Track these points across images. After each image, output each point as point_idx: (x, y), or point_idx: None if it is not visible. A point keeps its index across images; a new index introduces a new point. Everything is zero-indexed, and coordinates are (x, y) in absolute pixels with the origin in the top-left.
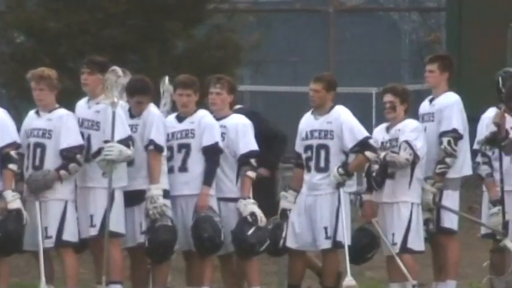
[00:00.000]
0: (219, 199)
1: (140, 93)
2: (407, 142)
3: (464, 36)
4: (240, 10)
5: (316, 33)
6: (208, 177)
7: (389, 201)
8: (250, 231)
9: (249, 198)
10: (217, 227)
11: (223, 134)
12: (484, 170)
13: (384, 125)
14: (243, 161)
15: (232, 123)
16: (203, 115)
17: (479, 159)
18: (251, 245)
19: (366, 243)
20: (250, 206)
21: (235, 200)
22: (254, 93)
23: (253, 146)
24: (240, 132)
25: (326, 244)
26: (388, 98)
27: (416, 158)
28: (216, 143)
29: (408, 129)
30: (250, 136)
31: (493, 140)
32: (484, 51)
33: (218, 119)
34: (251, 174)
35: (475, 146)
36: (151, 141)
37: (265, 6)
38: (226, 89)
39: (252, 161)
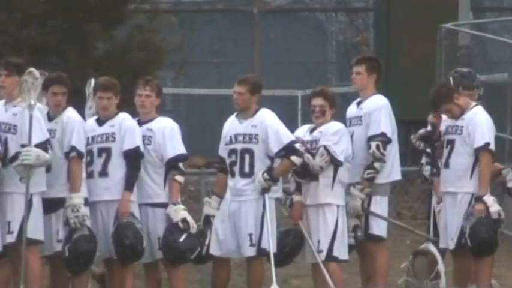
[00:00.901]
0: (147, 204)
1: (56, 84)
2: (325, 147)
3: (392, 37)
4: (162, 10)
5: (240, 34)
6: (129, 182)
7: (313, 203)
8: (181, 238)
9: (179, 203)
10: (139, 234)
11: (149, 138)
12: (427, 170)
13: (307, 126)
14: (171, 165)
15: (159, 127)
16: (124, 118)
17: (423, 160)
18: (182, 252)
19: (293, 245)
20: (181, 212)
21: (163, 205)
22: (176, 95)
23: (181, 149)
24: (167, 136)
25: (250, 251)
26: (317, 101)
27: (336, 162)
28: (137, 147)
29: (329, 132)
30: (178, 139)
31: (427, 138)
32: (413, 52)
33: (144, 122)
34: (179, 178)
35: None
36: (73, 148)
37: (188, 6)
38: (156, 91)
39: (180, 165)
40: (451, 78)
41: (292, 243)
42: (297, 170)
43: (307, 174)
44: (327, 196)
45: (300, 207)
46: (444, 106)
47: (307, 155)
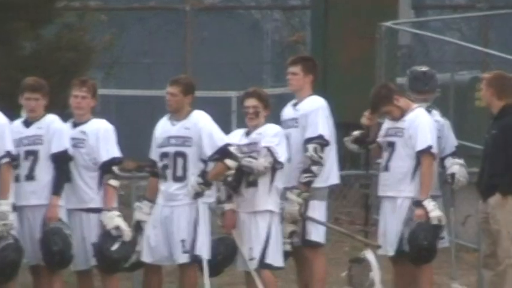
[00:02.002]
0: (81, 210)
1: None
2: (268, 148)
3: (330, 36)
4: (91, 8)
5: (172, 33)
6: (57, 186)
7: (249, 210)
8: (114, 247)
9: (114, 209)
10: (68, 240)
11: (83, 141)
12: None
13: (242, 130)
14: (105, 168)
15: (92, 129)
16: (52, 120)
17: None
18: (115, 261)
19: (225, 254)
20: (115, 219)
21: (97, 210)
22: (106, 97)
23: (116, 152)
24: (101, 138)
25: (183, 258)
26: (251, 102)
27: (277, 164)
28: (66, 150)
29: (270, 133)
30: (112, 142)
31: (360, 141)
32: (351, 52)
33: (78, 124)
34: (114, 183)
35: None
36: (8, 153)
37: (118, 4)
38: (92, 92)
39: (115, 168)
40: (406, 79)
41: (224, 252)
42: (230, 182)
43: (240, 184)
44: (265, 203)
45: (232, 216)
46: (383, 108)
47: (248, 159)
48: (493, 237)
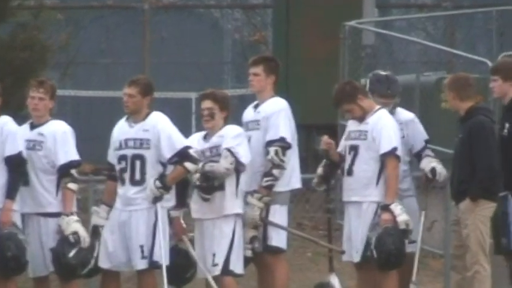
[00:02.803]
0: (38, 214)
1: None
2: (228, 149)
3: (292, 35)
4: (47, 7)
5: (130, 32)
6: (11, 190)
7: (218, 215)
8: (71, 253)
9: (73, 214)
10: (22, 245)
11: (40, 143)
12: None
13: (200, 134)
14: (63, 172)
15: (50, 131)
16: (5, 122)
17: None
18: (72, 268)
19: (181, 263)
20: (73, 225)
21: (55, 215)
22: (62, 98)
23: (74, 155)
24: (59, 141)
25: (142, 264)
26: (206, 104)
27: (240, 166)
28: (20, 153)
29: (230, 135)
30: (71, 144)
31: (326, 177)
32: (314, 52)
33: (36, 126)
34: (72, 186)
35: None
36: None
37: (75, 2)
38: (50, 93)
39: (73, 171)
40: (367, 81)
41: (180, 261)
42: (202, 185)
43: (211, 185)
44: (234, 206)
45: (180, 223)
46: (346, 105)
47: (210, 164)
48: (462, 241)
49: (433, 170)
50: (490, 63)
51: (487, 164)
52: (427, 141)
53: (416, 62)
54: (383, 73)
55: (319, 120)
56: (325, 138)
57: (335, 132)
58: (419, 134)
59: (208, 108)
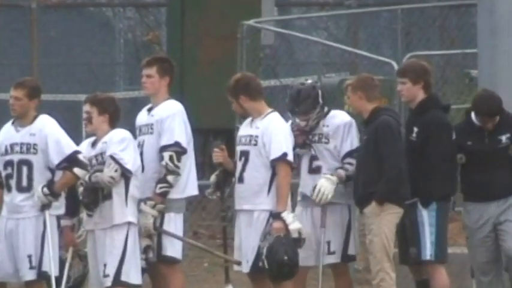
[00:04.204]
0: None
1: None
2: (112, 157)
3: (187, 35)
4: None
5: (17, 32)
6: None
7: (108, 225)
8: None
9: None
10: None
11: None
12: None
13: (89, 141)
14: None
15: None
16: None
17: None
18: None
19: (78, 274)
20: None
21: None
22: None
23: None
24: None
25: (30, 275)
26: (85, 108)
27: (126, 172)
28: None
29: (115, 140)
30: None
31: (220, 184)
32: (211, 52)
33: None
34: None
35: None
36: None
37: None
38: None
39: None
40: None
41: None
42: (83, 201)
43: (96, 199)
44: (124, 214)
45: (70, 233)
46: (229, 97)
47: (95, 174)
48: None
49: (315, 188)
50: (395, 65)
51: (395, 164)
52: (348, 153)
53: (318, 63)
54: (298, 87)
55: (216, 124)
56: (216, 152)
57: (233, 137)
58: (345, 141)
59: (87, 112)
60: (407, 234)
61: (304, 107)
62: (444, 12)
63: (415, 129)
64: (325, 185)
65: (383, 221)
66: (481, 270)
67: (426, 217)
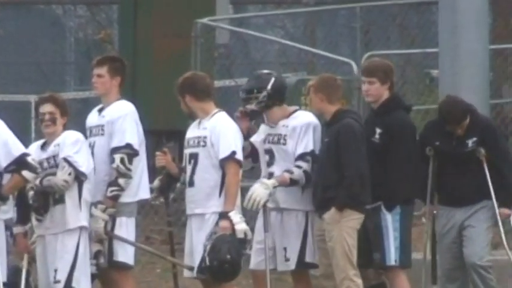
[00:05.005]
0: None
1: None
2: (65, 159)
3: (140, 34)
4: None
5: None
6: None
7: (60, 230)
8: None
9: None
10: None
11: None
12: None
13: (38, 143)
14: None
15: None
16: None
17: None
18: None
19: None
20: None
21: None
22: None
23: None
24: None
25: None
26: (47, 108)
27: (80, 175)
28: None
29: (68, 142)
30: None
31: (164, 188)
32: (164, 52)
33: None
34: None
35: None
36: None
37: None
38: None
39: None
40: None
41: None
42: (34, 205)
43: (46, 205)
44: (77, 218)
45: (23, 239)
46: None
47: (47, 178)
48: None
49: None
50: (354, 64)
51: (357, 169)
52: (301, 156)
53: (275, 63)
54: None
55: (169, 126)
56: (158, 155)
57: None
58: (300, 142)
59: (50, 113)
60: (370, 239)
61: (248, 85)
62: (404, 10)
63: (378, 130)
64: (258, 191)
65: (344, 228)
66: (447, 276)
67: (390, 221)
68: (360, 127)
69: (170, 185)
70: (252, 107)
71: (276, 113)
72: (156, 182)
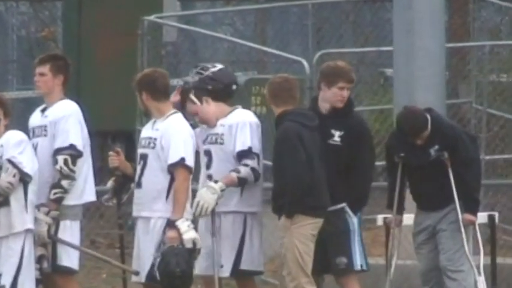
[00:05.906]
0: None
1: None
2: (10, 161)
3: (85, 31)
4: None
5: None
6: None
7: (3, 234)
8: None
9: None
10: None
11: None
12: None
13: None
14: None
15: None
16: None
17: None
18: None
19: None
20: None
21: None
22: None
23: None
24: None
25: None
26: None
27: (25, 176)
28: None
29: (11, 143)
30: None
31: (118, 190)
32: (110, 50)
33: None
34: None
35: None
36: None
37: None
38: None
39: None
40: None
41: None
42: None
43: None
44: (24, 221)
45: None
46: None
47: None
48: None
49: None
50: (305, 63)
51: (295, 175)
52: (243, 153)
53: (224, 61)
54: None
55: (115, 126)
56: (111, 155)
57: (132, 139)
58: (237, 140)
59: None
60: (333, 243)
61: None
62: (358, 7)
63: (338, 133)
64: (204, 196)
65: (294, 234)
66: (422, 278)
67: (356, 224)
68: (298, 128)
69: (124, 185)
70: (193, 79)
71: (215, 112)
72: (110, 183)
